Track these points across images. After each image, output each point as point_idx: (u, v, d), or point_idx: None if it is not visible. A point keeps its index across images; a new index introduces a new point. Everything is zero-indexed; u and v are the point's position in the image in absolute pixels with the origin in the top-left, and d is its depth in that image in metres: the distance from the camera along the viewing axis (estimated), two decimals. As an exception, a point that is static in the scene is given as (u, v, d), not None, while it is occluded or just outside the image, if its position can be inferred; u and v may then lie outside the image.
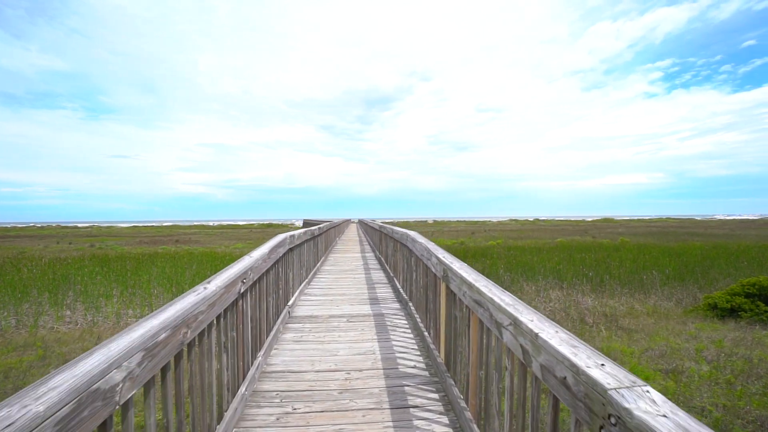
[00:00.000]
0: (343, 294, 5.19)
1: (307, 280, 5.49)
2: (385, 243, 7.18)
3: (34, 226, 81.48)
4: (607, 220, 73.40)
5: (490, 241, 27.32)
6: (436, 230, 45.35)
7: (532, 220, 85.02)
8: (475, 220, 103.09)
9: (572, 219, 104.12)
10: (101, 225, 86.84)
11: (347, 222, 32.70)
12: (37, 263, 15.35)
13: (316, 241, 6.86)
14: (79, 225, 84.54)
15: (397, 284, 5.21)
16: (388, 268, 6.68)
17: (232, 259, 16.02)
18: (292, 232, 3.92)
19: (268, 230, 51.21)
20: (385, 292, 5.34)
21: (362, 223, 25.72)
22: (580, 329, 7.48)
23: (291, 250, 3.94)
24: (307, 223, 64.06)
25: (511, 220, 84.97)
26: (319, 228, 6.99)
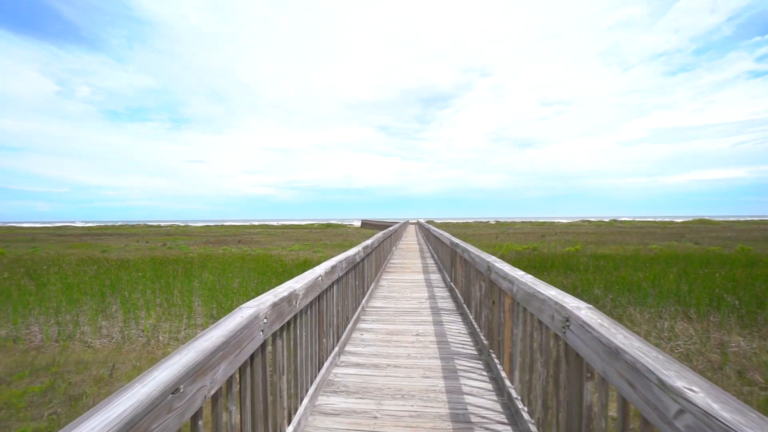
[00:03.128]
0: (398, 391, 2.68)
1: (335, 351, 3.26)
2: (464, 270, 4.80)
3: (126, 225, 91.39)
4: (702, 222, 63.05)
5: (567, 246, 23.70)
6: (499, 232, 41.89)
7: (608, 221, 76.36)
8: (542, 221, 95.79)
9: (657, 220, 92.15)
10: (179, 224, 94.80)
11: (405, 225, 30.74)
12: (102, 264, 15.57)
13: (361, 267, 4.73)
14: (162, 224, 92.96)
15: (505, 379, 2.67)
16: (471, 317, 4.39)
17: (283, 265, 14.98)
18: (279, 292, 1.91)
19: (327, 230, 51.28)
20: (480, 390, 2.71)
21: (422, 228, 23.55)
22: (749, 397, 4.72)
23: (286, 327, 2.02)
24: (365, 224, 63.66)
25: (584, 221, 77.10)
26: (365, 248, 4.80)
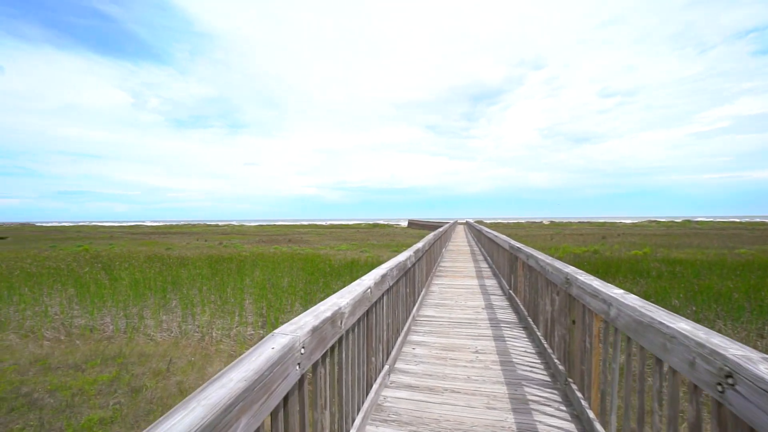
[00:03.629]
0: (458, 426, 2.25)
1: (385, 370, 2.81)
2: (529, 279, 4.17)
3: (188, 224, 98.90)
4: (801, 223, 54.94)
5: (633, 250, 21.64)
6: (554, 233, 39.50)
7: (680, 221, 69.25)
8: (602, 221, 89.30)
9: (743, 220, 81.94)
10: (234, 224, 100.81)
11: (454, 225, 29.82)
12: (165, 261, 16.66)
13: (412, 273, 4.24)
14: (219, 223, 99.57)
15: (594, 421, 2.09)
16: (539, 333, 3.72)
17: (331, 265, 15.03)
18: (320, 312, 1.57)
19: (373, 230, 51.57)
20: None
21: (472, 229, 22.62)
22: None
23: (330, 353, 1.67)
24: (412, 224, 63.23)
25: (651, 222, 70.63)
26: (416, 252, 4.34)
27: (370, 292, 2.24)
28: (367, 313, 2.32)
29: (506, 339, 3.99)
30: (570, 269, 2.69)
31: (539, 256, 3.59)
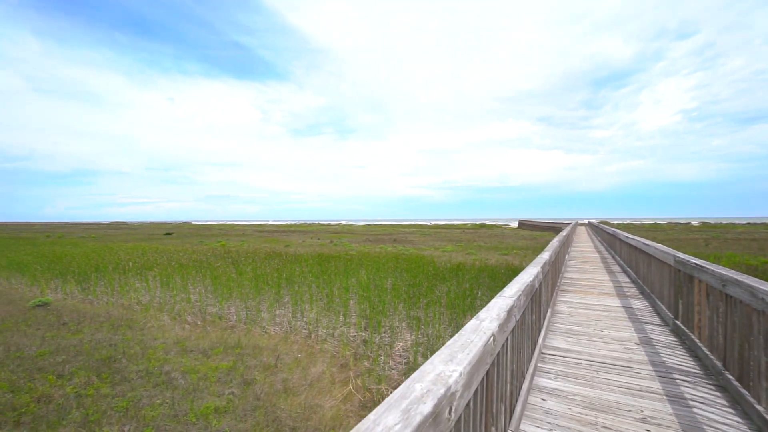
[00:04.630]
0: None
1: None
2: (729, 316, 2.71)
3: (305, 223, 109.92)
4: None
5: None
6: (709, 237, 31.91)
7: None
8: (782, 222, 69.60)
9: None
10: (344, 223, 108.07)
11: (575, 227, 26.26)
12: (282, 258, 18.19)
13: (537, 294, 3.16)
14: (331, 223, 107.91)
15: None
16: (761, 409, 2.31)
17: (435, 267, 14.37)
18: (413, 402, 0.86)
19: (480, 231, 49.23)
20: None
21: (599, 231, 19.40)
22: None
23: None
24: (523, 225, 58.55)
25: None
26: (543, 267, 3.16)
27: (493, 340, 1.47)
28: (488, 370, 1.55)
29: (690, 402, 2.60)
30: None
31: (758, 285, 2.25)
